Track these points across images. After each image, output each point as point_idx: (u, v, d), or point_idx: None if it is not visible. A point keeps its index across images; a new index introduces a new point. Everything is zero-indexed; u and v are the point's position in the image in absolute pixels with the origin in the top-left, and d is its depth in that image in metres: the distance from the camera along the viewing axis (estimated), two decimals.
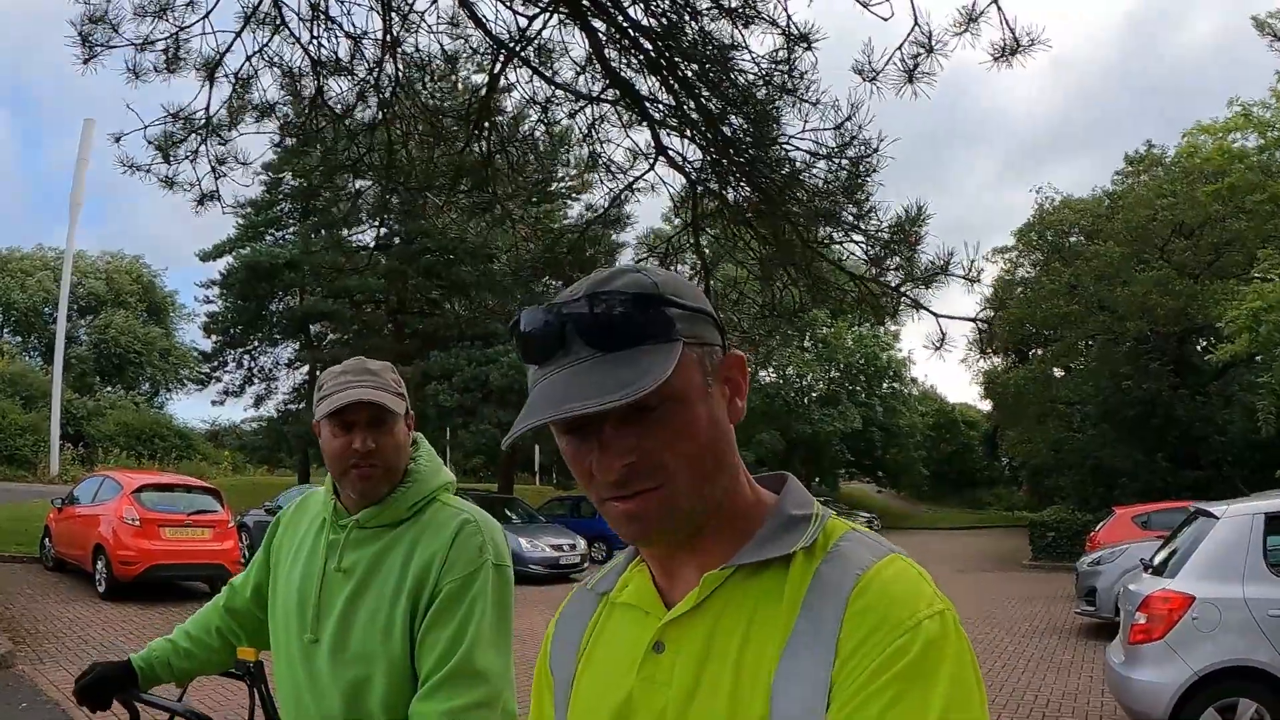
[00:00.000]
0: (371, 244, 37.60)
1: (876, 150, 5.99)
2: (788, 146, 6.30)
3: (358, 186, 8.31)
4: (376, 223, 36.60)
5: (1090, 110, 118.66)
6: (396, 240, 36.05)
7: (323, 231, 36.80)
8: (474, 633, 2.43)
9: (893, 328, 58.18)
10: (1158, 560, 9.30)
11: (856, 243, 6.65)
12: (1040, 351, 42.60)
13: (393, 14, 6.75)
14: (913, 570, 1.23)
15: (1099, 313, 34.66)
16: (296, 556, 2.70)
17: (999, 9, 5.58)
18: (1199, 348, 37.42)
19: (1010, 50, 5.67)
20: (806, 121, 6.06)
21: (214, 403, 50.56)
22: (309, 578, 2.62)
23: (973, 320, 6.54)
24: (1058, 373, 41.90)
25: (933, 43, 5.63)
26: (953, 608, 1.20)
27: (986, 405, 54.95)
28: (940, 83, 6.06)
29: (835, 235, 6.68)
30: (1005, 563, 31.50)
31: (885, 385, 59.09)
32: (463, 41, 7.21)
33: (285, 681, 2.65)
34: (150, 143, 7.30)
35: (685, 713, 1.23)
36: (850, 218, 6.39)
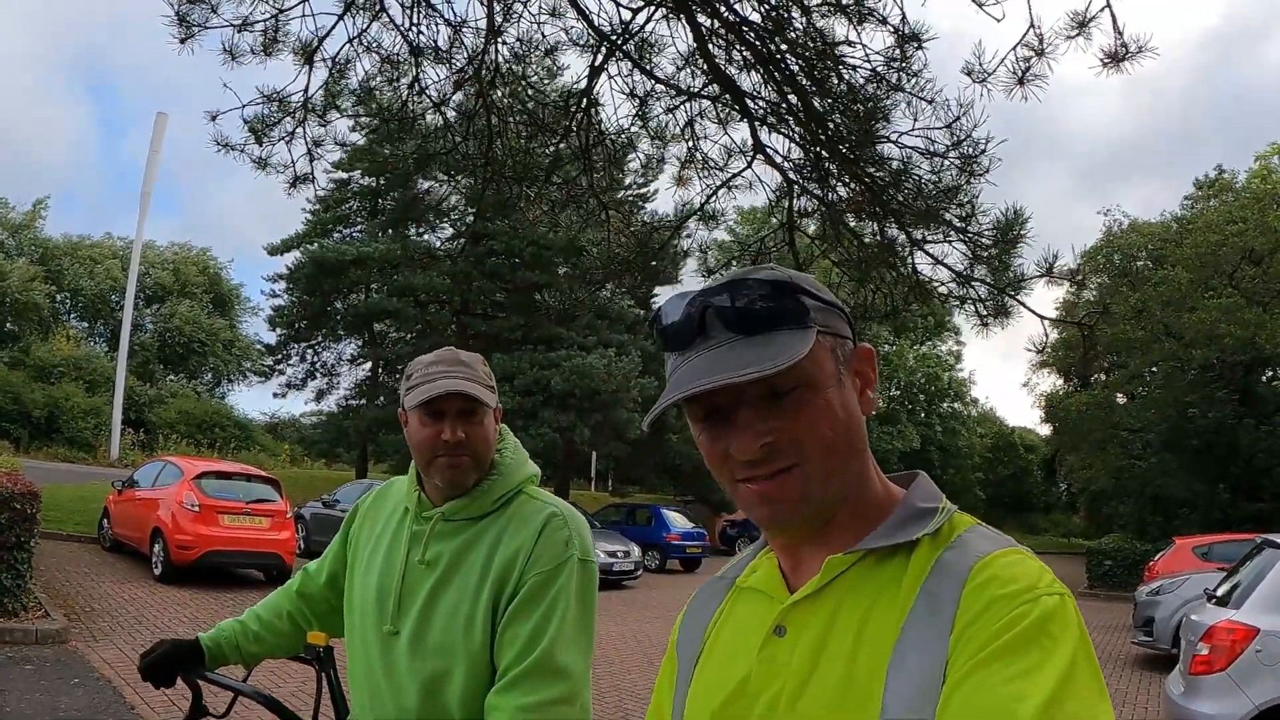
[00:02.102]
0: (451, 240, 37.93)
1: (985, 151, 5.95)
2: (897, 144, 6.26)
3: (442, 178, 8.33)
4: (455, 219, 36.96)
5: (1162, 133, 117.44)
6: (462, 242, 36.26)
7: (389, 230, 37.04)
8: (556, 628, 2.40)
9: (956, 346, 58.01)
10: (1221, 591, 9.19)
11: (958, 243, 6.60)
12: (1104, 376, 42.14)
13: (495, 2, 6.78)
14: (1035, 560, 1.23)
15: (1165, 339, 34.29)
16: (377, 547, 2.68)
17: (1111, 13, 5.53)
18: (1265, 378, 36.89)
19: (1119, 57, 5.61)
20: (917, 119, 6.03)
21: (275, 395, 51.30)
22: (390, 569, 2.60)
23: (1079, 324, 6.45)
24: (1120, 399, 41.45)
25: (1044, 45, 5.58)
26: (1070, 596, 1.18)
27: (1046, 429, 54.57)
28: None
29: (934, 235, 6.64)
30: None
31: (945, 405, 58.79)
32: (564, 32, 7.22)
33: (360, 672, 2.63)
34: (245, 123, 7.36)
35: (801, 694, 1.25)
36: (953, 218, 6.35)
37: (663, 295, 31.64)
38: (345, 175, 37.11)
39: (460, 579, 2.51)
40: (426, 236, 38.76)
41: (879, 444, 48.52)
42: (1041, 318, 6.40)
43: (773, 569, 1.39)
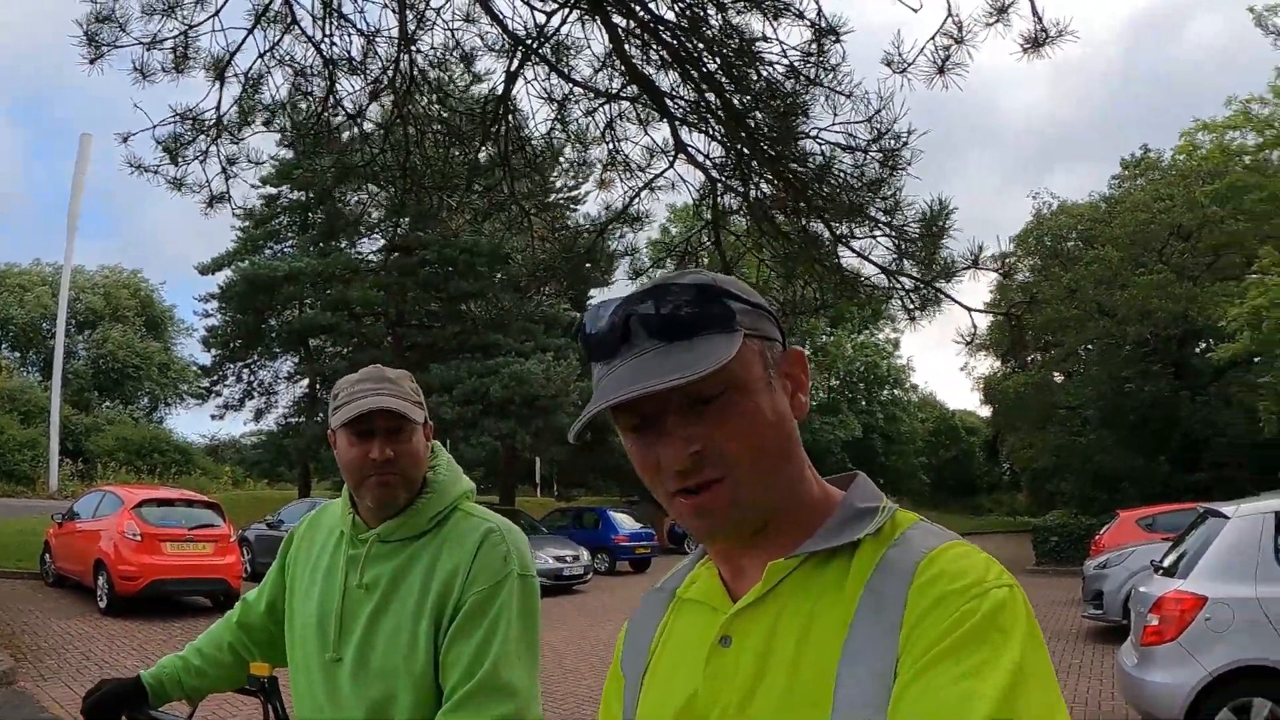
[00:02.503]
0: (381, 250, 37.71)
1: (907, 143, 5.93)
2: (818, 140, 6.23)
3: (369, 189, 8.22)
4: (385, 230, 36.68)
5: (1089, 118, 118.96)
6: (395, 254, 36.05)
7: (320, 244, 36.74)
8: (499, 646, 2.36)
9: (893, 334, 58.53)
10: (1168, 562, 9.30)
11: (881, 238, 6.59)
12: (1040, 357, 42.64)
13: (408, 10, 6.67)
14: (981, 553, 1.19)
15: (1098, 317, 34.76)
16: (315, 572, 2.63)
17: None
18: (1199, 350, 37.50)
19: (1039, 41, 5.61)
20: (837, 114, 6.00)
21: (213, 417, 50.49)
22: (329, 595, 2.54)
23: (1006, 314, 6.45)
24: (1058, 378, 41.98)
25: (963, 33, 5.57)
26: (1019, 589, 1.16)
27: (986, 411, 55.16)
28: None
29: (859, 230, 6.62)
30: (1009, 568, 30.77)
31: (885, 392, 59.29)
32: (479, 38, 7.14)
33: (305, 701, 2.57)
34: (159, 143, 7.21)
35: (747, 706, 1.22)
36: (878, 212, 6.33)
37: (597, 298, 31.65)
38: (274, 190, 36.78)
39: (399, 601, 2.46)
40: (358, 249, 38.49)
41: (821, 434, 48.90)
42: (968, 309, 6.39)
43: (713, 579, 1.36)
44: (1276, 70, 26.11)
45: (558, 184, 18.74)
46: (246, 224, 36.69)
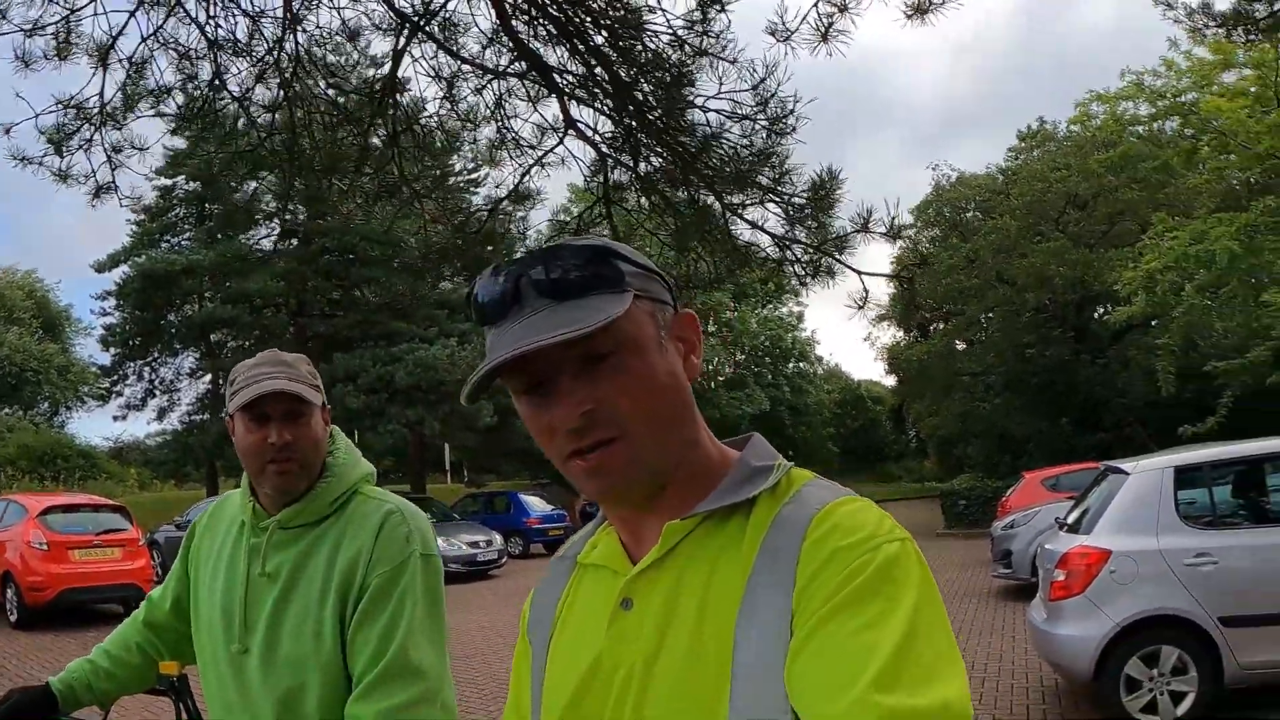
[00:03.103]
0: (278, 239, 37.18)
1: (793, 112, 5.98)
2: (704, 110, 6.25)
3: (262, 176, 8.10)
4: (276, 219, 36.13)
5: (986, 93, 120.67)
6: (294, 241, 35.58)
7: (218, 236, 36.12)
8: (406, 627, 2.37)
9: (798, 307, 58.93)
10: (1072, 519, 9.53)
11: (773, 206, 6.64)
12: (942, 325, 43.21)
13: None
14: (875, 508, 1.22)
15: (998, 285, 35.36)
16: (218, 564, 2.61)
17: None
18: (1096, 315, 38.26)
19: (923, 9, 5.67)
20: (722, 83, 6.03)
21: (116, 418, 49.33)
22: (232, 585, 2.53)
23: (896, 276, 6.55)
24: (960, 346, 42.57)
25: (846, 1, 5.62)
26: (912, 541, 1.19)
27: (891, 380, 55.82)
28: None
29: (750, 200, 6.66)
30: (919, 532, 31.27)
31: (791, 366, 59.66)
32: (365, 17, 7.07)
33: (215, 695, 2.56)
34: (42, 134, 7.04)
35: (652, 666, 1.23)
36: (767, 180, 6.37)
37: None
38: (168, 181, 36.06)
39: (303, 588, 2.45)
40: (256, 240, 37.90)
41: (728, 409, 49.07)
42: (859, 273, 6.47)
43: (614, 543, 1.37)
44: (1169, 42, 26.62)
45: (456, 167, 18.65)
46: (142, 218, 35.96)
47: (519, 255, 1.29)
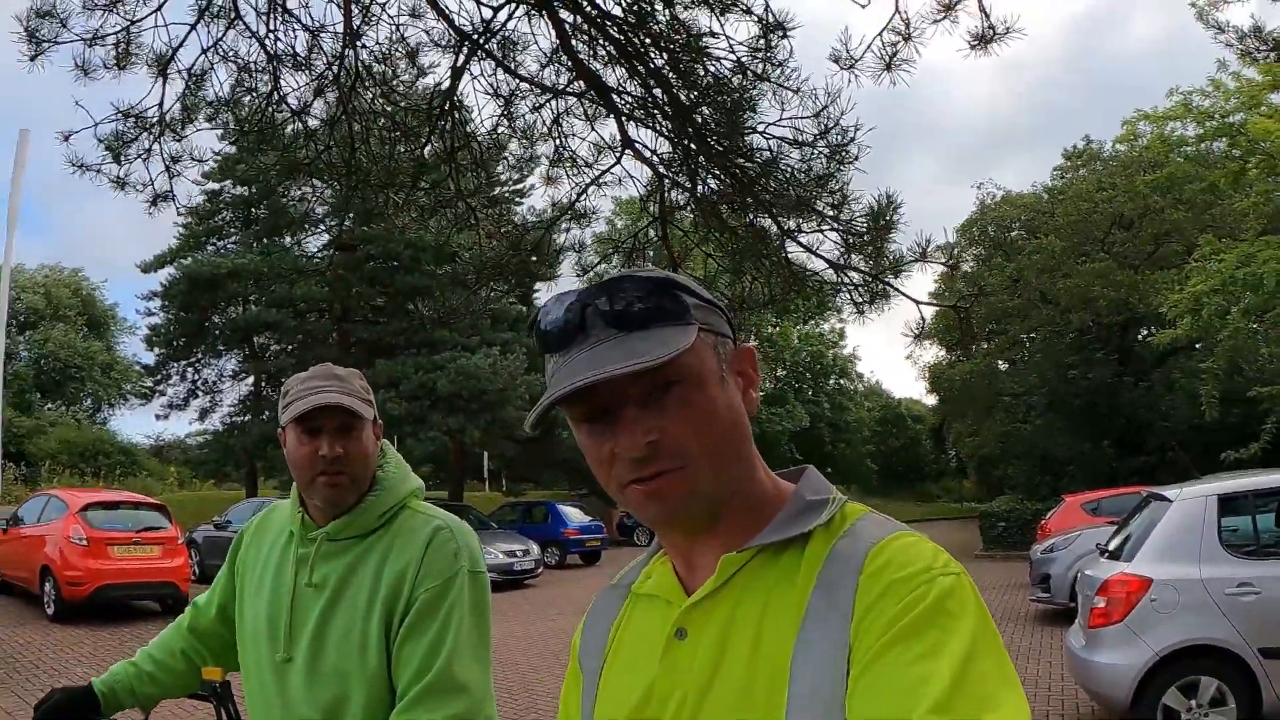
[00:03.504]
0: (325, 246, 37.32)
1: (854, 139, 5.95)
2: (764, 135, 6.23)
3: (314, 185, 8.15)
4: (329, 225, 36.32)
5: (1034, 111, 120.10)
6: (338, 250, 35.72)
7: (264, 240, 36.34)
8: (452, 643, 2.37)
9: (839, 324, 58.79)
10: (1113, 545, 9.45)
11: (830, 232, 6.61)
12: (985, 345, 42.94)
13: (353, 5, 6.61)
14: (928, 542, 1.23)
15: (1042, 305, 35.09)
16: (264, 573, 2.62)
17: None
18: (1141, 336, 37.90)
19: (987, 39, 5.65)
20: (784, 109, 6.01)
21: (158, 417, 49.82)
22: (279, 594, 2.54)
23: (953, 307, 6.50)
24: (1002, 365, 42.27)
25: (910, 30, 5.59)
26: (966, 575, 1.19)
27: (932, 399, 55.52)
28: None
29: (807, 225, 6.64)
30: (957, 554, 30.36)
31: (832, 382, 59.52)
32: (425, 34, 7.10)
33: (257, 703, 2.57)
34: (100, 141, 7.09)
35: (705, 697, 1.24)
36: (825, 207, 6.35)
37: (544, 292, 31.69)
38: (216, 186, 36.35)
39: (350, 600, 2.46)
40: (302, 246, 38.11)
41: (769, 425, 48.98)
42: (917, 303, 6.44)
43: (668, 573, 1.38)
44: (1217, 63, 26.34)
45: (503, 178, 18.69)
46: (190, 220, 36.21)
47: (582, 286, 1.32)
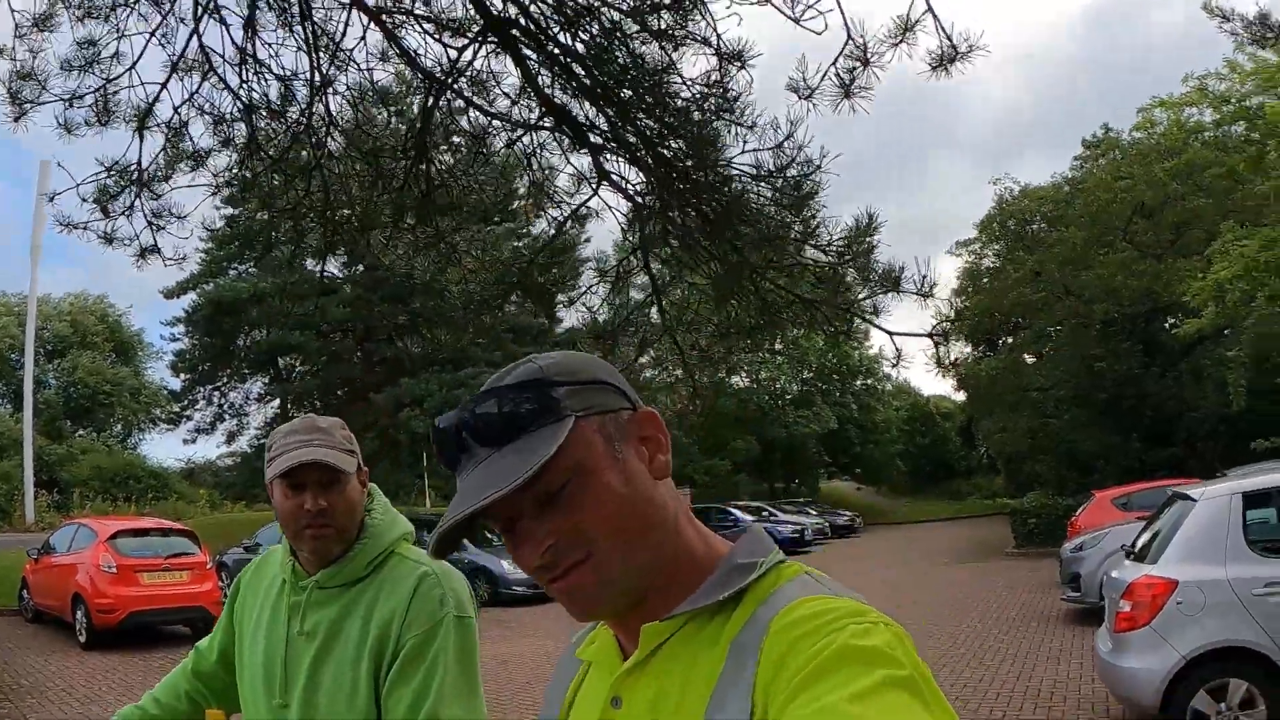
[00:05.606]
0: (337, 273, 37.48)
1: (819, 168, 5.89)
2: (729, 169, 6.18)
3: (299, 229, 8.17)
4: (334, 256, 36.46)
5: (1053, 103, 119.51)
6: (359, 268, 35.91)
7: (281, 269, 36.54)
8: (438, 688, 2.39)
9: (864, 325, 58.49)
10: (1139, 546, 9.34)
11: (806, 262, 6.56)
12: (1010, 340, 42.73)
13: (319, 53, 6.62)
14: (851, 602, 1.16)
15: (1065, 298, 34.91)
16: (260, 620, 2.67)
17: (934, 16, 5.47)
18: (1166, 326, 37.66)
19: (948, 59, 5.56)
20: (745, 143, 5.96)
21: (186, 441, 50.22)
22: (274, 642, 2.59)
23: (929, 335, 6.43)
24: (1028, 360, 42.08)
25: (868, 55, 5.53)
26: (898, 627, 1.12)
27: (960, 396, 55.27)
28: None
29: (785, 257, 6.58)
30: (989, 552, 31.38)
31: (859, 383, 59.21)
32: (394, 77, 7.11)
33: None
34: (84, 200, 7.13)
35: None
36: (797, 236, 6.30)
37: (562, 304, 31.78)
38: (235, 211, 36.57)
39: (340, 648, 2.50)
40: (325, 268, 38.29)
41: (795, 428, 48.78)
42: (889, 333, 6.38)
43: (609, 639, 1.38)
44: (1233, 40, 26.15)
45: (483, 214, 18.74)
46: (210, 245, 36.49)
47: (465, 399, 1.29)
